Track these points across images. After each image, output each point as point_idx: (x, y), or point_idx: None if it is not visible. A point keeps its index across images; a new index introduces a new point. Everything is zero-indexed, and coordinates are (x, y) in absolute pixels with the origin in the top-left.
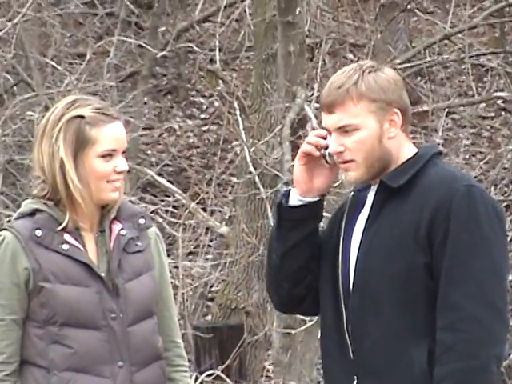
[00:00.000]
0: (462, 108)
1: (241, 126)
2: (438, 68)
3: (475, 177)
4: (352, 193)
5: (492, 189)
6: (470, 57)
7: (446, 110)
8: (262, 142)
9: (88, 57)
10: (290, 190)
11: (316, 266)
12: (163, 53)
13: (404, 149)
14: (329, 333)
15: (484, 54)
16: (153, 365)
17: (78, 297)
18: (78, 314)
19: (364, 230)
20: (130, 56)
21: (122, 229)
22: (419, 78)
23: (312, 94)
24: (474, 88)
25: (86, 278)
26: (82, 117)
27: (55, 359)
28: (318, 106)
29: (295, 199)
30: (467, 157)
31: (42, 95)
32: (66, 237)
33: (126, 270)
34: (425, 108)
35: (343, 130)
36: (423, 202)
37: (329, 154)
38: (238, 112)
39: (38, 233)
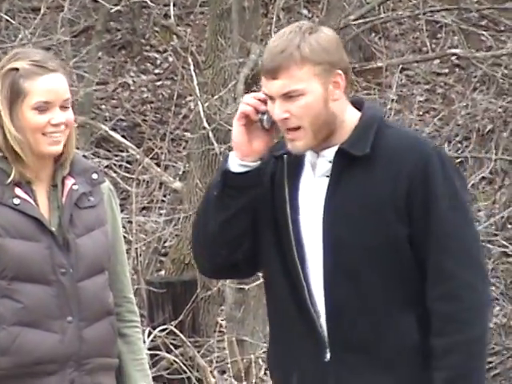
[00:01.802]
0: (416, 64)
1: (195, 82)
2: (393, 24)
3: (429, 133)
4: (285, 155)
5: (446, 145)
6: (424, 13)
7: (400, 66)
8: (216, 97)
9: (42, 11)
10: (228, 155)
11: (254, 231)
12: (117, 7)
13: (347, 111)
14: (284, 305)
15: (438, 11)
16: (103, 320)
17: (28, 251)
18: (28, 268)
19: (325, 201)
20: (85, 10)
21: (74, 184)
22: (373, 34)
23: None
24: (428, 44)
25: (37, 233)
26: (16, 69)
27: (4, 313)
28: None
29: (236, 164)
30: (421, 113)
31: None
32: (17, 191)
33: (78, 226)
34: (379, 64)
35: (288, 96)
36: (395, 171)
37: (266, 118)
38: (192, 67)
39: None
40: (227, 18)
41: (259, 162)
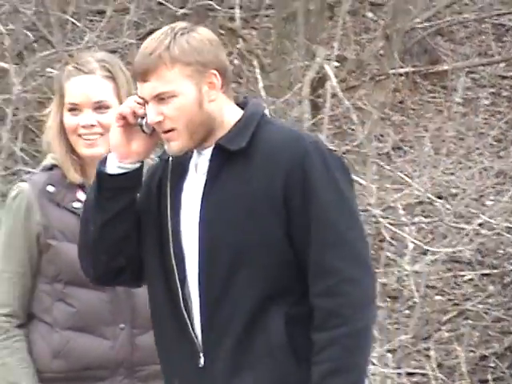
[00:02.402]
0: (481, 67)
1: (260, 84)
2: (458, 27)
3: (494, 137)
4: (170, 157)
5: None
6: (490, 16)
7: (466, 69)
8: (281, 100)
9: (108, 14)
10: (106, 157)
11: (136, 236)
12: (183, 10)
13: (228, 111)
14: (161, 310)
15: (504, 14)
16: None
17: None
18: (82, 273)
19: (202, 198)
20: (150, 13)
21: None
22: (439, 38)
23: (332, 53)
24: (493, 47)
25: None
26: (64, 71)
27: (58, 317)
28: (337, 64)
29: (114, 166)
30: (486, 117)
31: (61, 52)
32: (79, 195)
33: None
34: (444, 67)
35: (160, 98)
36: (272, 166)
37: (145, 122)
38: (257, 70)
39: (51, 189)
40: (293, 21)
41: (138, 165)
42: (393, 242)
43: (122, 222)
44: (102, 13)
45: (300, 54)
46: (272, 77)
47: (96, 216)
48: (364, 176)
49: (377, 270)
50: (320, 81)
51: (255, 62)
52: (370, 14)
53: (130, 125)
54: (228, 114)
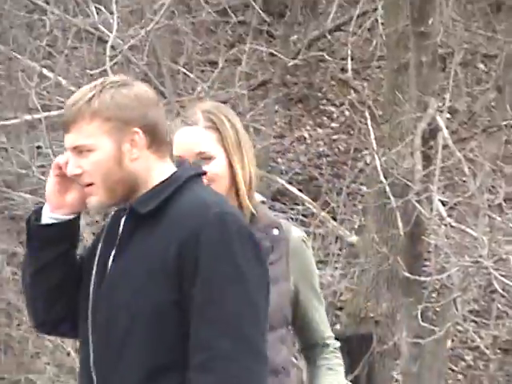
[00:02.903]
0: None
1: (372, 136)
2: None
3: None
4: (113, 212)
5: None
6: None
7: None
8: (393, 151)
9: (220, 65)
10: (42, 207)
11: (74, 288)
12: (295, 61)
13: (155, 171)
14: (80, 366)
15: None
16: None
17: None
18: None
19: (113, 260)
20: (262, 64)
21: None
22: None
23: (443, 104)
24: None
25: None
26: (172, 124)
27: None
28: (449, 116)
29: (46, 216)
30: None
31: (173, 103)
32: None
33: None
34: None
35: (79, 151)
36: (171, 233)
37: None
38: (368, 121)
39: None
40: (404, 73)
41: (71, 216)
42: (504, 293)
43: (53, 273)
44: (213, 63)
45: (412, 106)
46: (383, 128)
47: (29, 265)
48: (475, 228)
49: (488, 322)
50: (432, 132)
51: (367, 113)
52: (481, 66)
53: (66, 175)
54: (155, 175)
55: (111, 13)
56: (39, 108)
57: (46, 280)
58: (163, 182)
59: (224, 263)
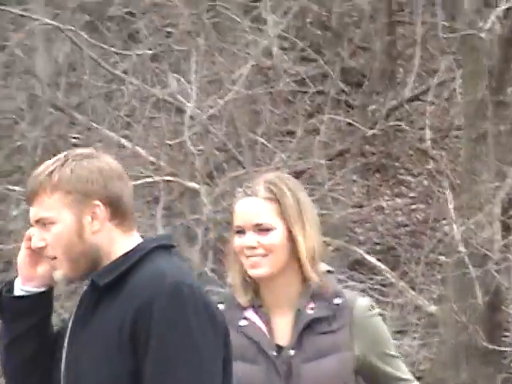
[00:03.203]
0: None
1: (450, 205)
2: None
3: None
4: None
5: None
6: None
7: None
8: (471, 220)
9: (298, 134)
10: (14, 279)
11: (48, 360)
12: (373, 131)
13: (118, 244)
14: None
15: None
16: None
17: (248, 374)
18: None
19: (78, 333)
20: (340, 134)
21: (312, 308)
22: None
23: None
24: None
25: (258, 356)
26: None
27: None
28: None
29: (18, 288)
30: None
31: (251, 173)
32: (248, 313)
33: (307, 350)
34: None
35: (42, 224)
36: (128, 304)
37: None
38: (447, 191)
39: (221, 307)
40: (483, 142)
41: (42, 289)
42: None
43: (26, 344)
44: (291, 133)
45: (490, 175)
46: (462, 197)
47: (3, 336)
48: None
49: None
50: (511, 201)
51: (445, 183)
52: None
53: None
54: (118, 247)
55: (189, 82)
56: None
57: (20, 352)
58: (125, 254)
59: (175, 332)
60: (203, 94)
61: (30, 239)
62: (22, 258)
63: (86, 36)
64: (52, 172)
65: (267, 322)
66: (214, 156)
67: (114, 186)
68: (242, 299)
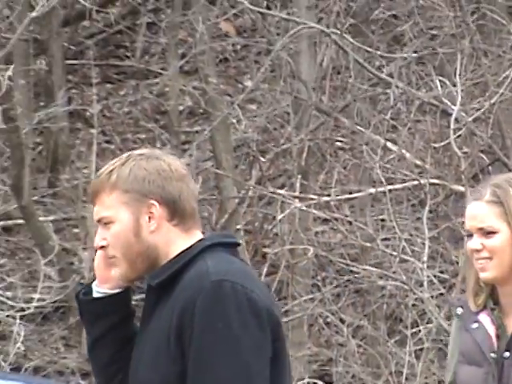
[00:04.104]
0: None
1: None
2: None
3: None
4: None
5: None
6: None
7: None
8: None
9: None
10: (91, 282)
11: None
12: None
13: (177, 243)
14: None
15: None
16: None
17: (469, 376)
18: None
19: (140, 334)
20: None
21: None
22: None
23: None
24: None
25: (481, 358)
26: None
27: None
28: None
29: (95, 291)
30: None
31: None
32: (482, 317)
33: None
34: None
35: (103, 223)
36: (175, 305)
37: None
38: None
39: (459, 310)
40: None
41: (117, 291)
42: None
43: (106, 347)
44: None
45: None
46: None
47: (87, 339)
48: None
49: None
50: None
51: None
52: None
53: None
54: (176, 247)
55: (454, 85)
56: (383, 181)
57: (101, 354)
58: (180, 253)
59: (217, 332)
60: (468, 96)
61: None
62: (97, 260)
63: (350, 39)
64: (112, 171)
65: (498, 326)
66: (480, 158)
67: (171, 187)
68: (471, 303)
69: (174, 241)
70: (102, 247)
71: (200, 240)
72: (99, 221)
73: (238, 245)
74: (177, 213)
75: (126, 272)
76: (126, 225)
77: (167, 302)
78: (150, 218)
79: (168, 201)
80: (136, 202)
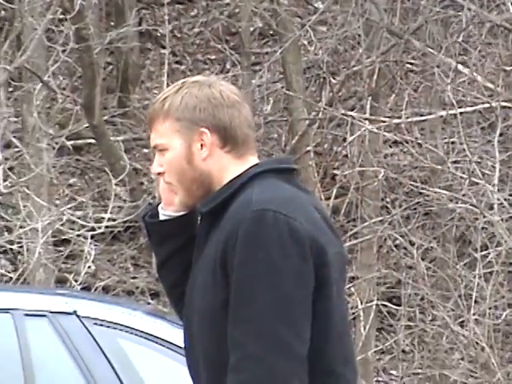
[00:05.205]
0: None
1: None
2: None
3: None
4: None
5: None
6: None
7: None
8: None
9: None
10: (157, 204)
11: None
12: None
13: (230, 170)
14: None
15: None
16: None
17: None
18: None
19: (195, 261)
20: None
21: None
22: None
23: None
24: None
25: None
26: None
27: None
28: None
29: (161, 213)
30: None
31: None
32: None
33: None
34: None
35: (159, 150)
36: (221, 233)
37: None
38: None
39: None
40: None
41: (181, 213)
42: None
43: (172, 268)
44: None
45: None
46: None
47: (155, 260)
48: None
49: None
50: None
51: None
52: None
53: None
54: (229, 173)
55: None
56: (454, 103)
57: (168, 276)
58: (231, 180)
59: (257, 261)
60: None
61: None
62: (161, 183)
63: None
64: (165, 99)
65: None
66: None
67: (222, 114)
68: None
69: (227, 167)
70: (159, 173)
71: (253, 166)
72: (155, 147)
73: (294, 170)
74: (228, 140)
75: (183, 198)
76: (179, 152)
77: (217, 229)
78: (201, 145)
79: (218, 128)
80: (187, 129)
